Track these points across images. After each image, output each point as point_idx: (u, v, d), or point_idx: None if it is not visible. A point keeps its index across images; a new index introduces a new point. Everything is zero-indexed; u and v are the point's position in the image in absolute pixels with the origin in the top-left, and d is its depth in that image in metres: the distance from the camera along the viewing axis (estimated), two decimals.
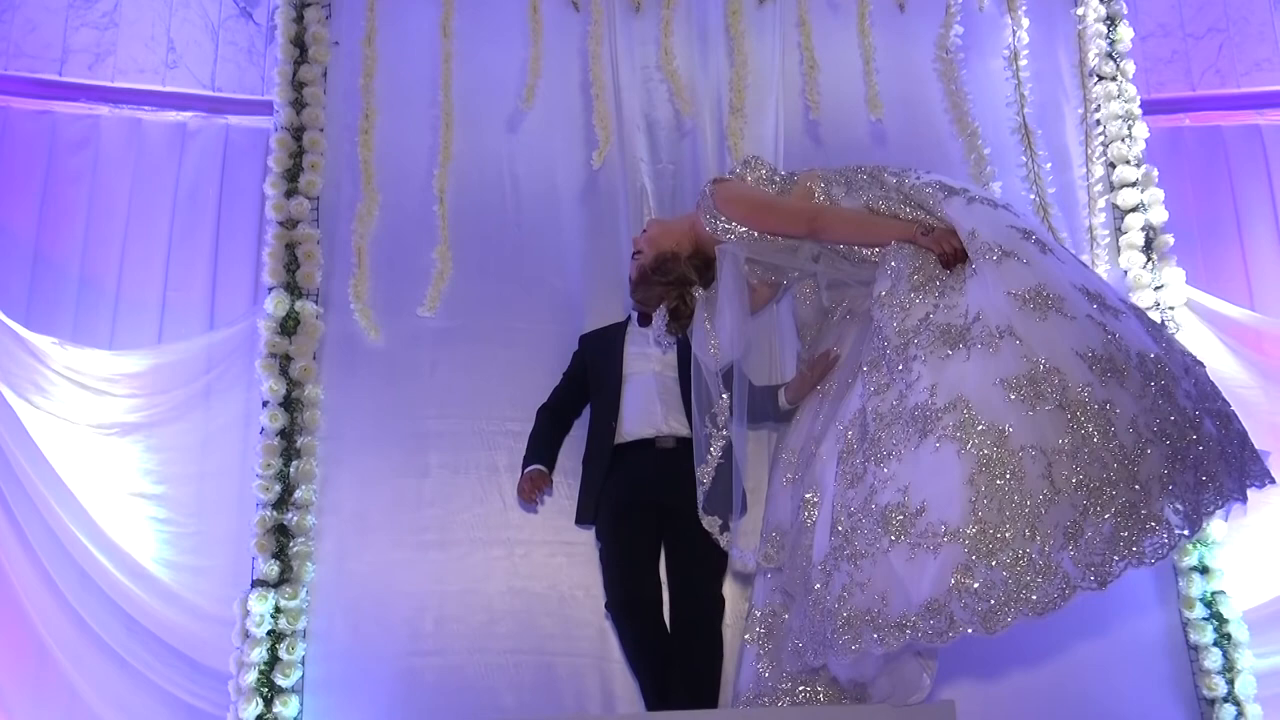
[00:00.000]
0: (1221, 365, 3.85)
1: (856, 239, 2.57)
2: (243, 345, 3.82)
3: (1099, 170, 3.93)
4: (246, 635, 3.25)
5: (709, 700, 2.99)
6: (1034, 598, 1.92)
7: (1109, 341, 2.12)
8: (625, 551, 3.12)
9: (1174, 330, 3.73)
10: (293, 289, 3.57)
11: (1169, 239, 3.86)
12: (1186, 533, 2.05)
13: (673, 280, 2.79)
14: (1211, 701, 3.38)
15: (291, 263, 3.59)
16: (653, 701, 3.08)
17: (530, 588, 3.37)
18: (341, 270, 3.69)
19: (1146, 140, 3.98)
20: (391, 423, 3.57)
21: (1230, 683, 3.38)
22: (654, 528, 3.11)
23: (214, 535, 3.70)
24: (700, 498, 2.64)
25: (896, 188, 2.56)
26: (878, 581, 2.06)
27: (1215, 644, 3.42)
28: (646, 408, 3.21)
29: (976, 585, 1.93)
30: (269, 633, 3.24)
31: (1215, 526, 3.56)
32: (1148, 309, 3.75)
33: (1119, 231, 3.88)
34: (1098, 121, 3.97)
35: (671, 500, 2.97)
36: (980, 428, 2.03)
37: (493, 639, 3.38)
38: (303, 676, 3.27)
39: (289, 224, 3.62)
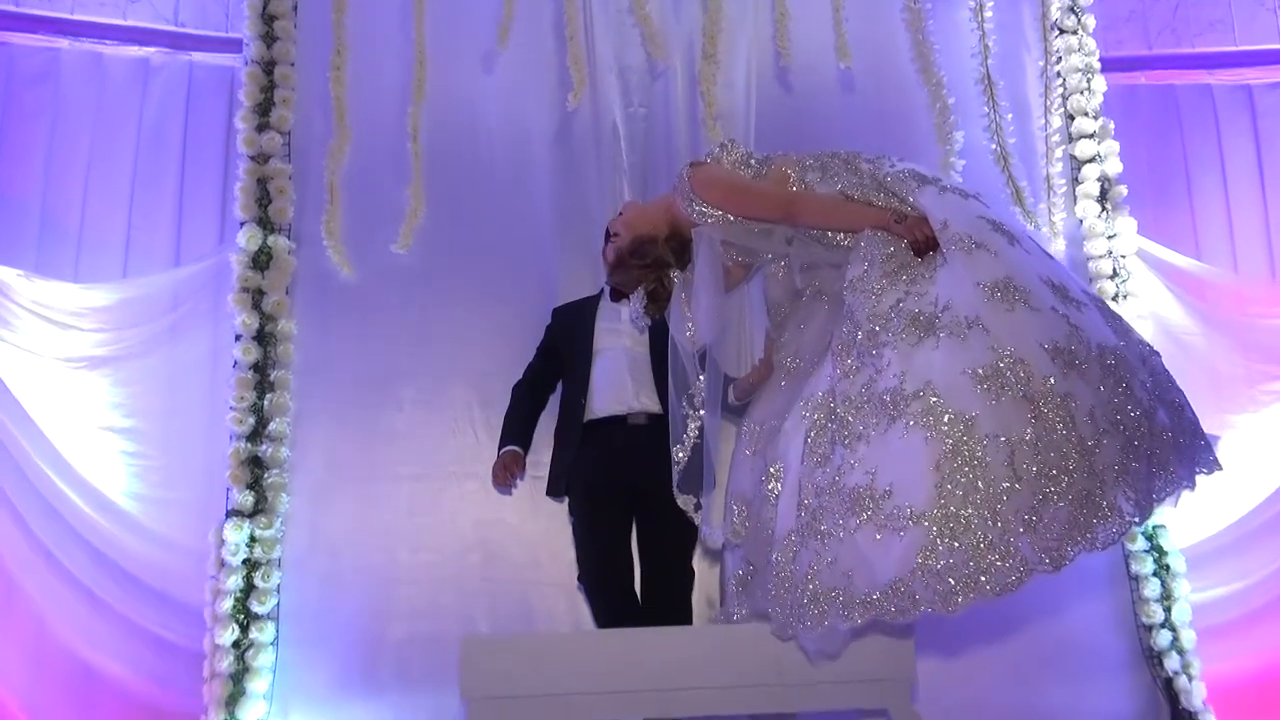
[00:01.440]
0: (1167, 312, 4.04)
1: (831, 224, 2.60)
2: (210, 282, 3.81)
3: (1058, 121, 4.03)
4: (222, 564, 3.29)
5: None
6: (992, 579, 2.00)
7: (1071, 334, 2.19)
8: (597, 528, 3.16)
9: (1124, 278, 3.89)
10: (265, 224, 3.56)
11: (1123, 190, 3.99)
12: (1137, 519, 2.14)
13: (650, 263, 2.79)
14: (1149, 627, 3.58)
15: (263, 197, 3.58)
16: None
17: (503, 519, 3.43)
18: (314, 206, 3.69)
19: (1104, 95, 4.08)
20: (365, 358, 3.60)
21: (1168, 610, 3.58)
22: (625, 504, 3.15)
23: (183, 469, 3.72)
24: (675, 477, 2.68)
25: (871, 175, 2.59)
26: (844, 560, 2.14)
27: (1154, 574, 3.61)
28: (617, 384, 3.23)
29: (939, 566, 2.01)
30: (244, 561, 3.29)
31: None
32: (1100, 257, 3.92)
33: (1075, 181, 4.00)
34: (1058, 74, 4.06)
35: (643, 477, 2.98)
36: (947, 415, 2.09)
37: (466, 568, 3.46)
38: (278, 604, 3.33)
39: (260, 159, 3.60)
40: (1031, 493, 2.03)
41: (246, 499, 3.33)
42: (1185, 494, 2.37)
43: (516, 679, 2.43)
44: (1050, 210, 3.99)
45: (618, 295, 3.17)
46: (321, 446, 3.53)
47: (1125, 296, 3.88)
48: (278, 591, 3.33)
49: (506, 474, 3.25)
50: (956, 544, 2.00)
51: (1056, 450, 2.05)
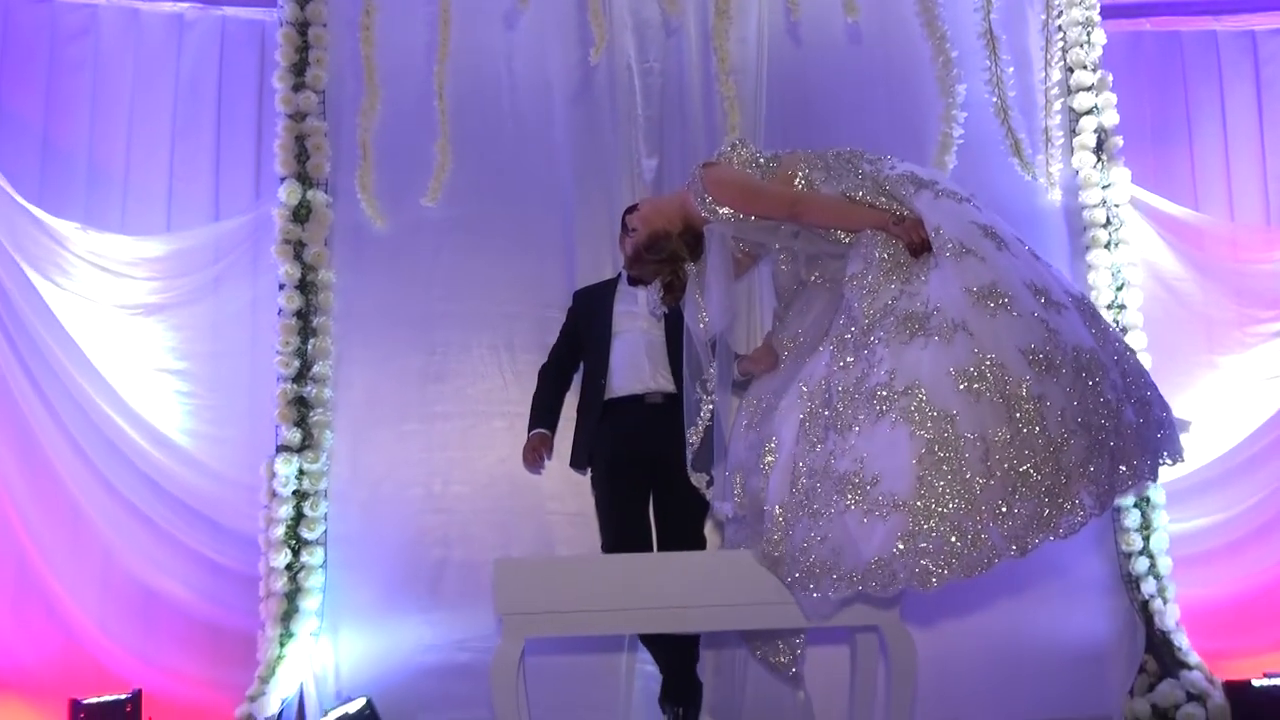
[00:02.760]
0: (1159, 259, 4.19)
1: (833, 224, 2.76)
2: (250, 236, 4.03)
3: (1057, 74, 4.14)
4: (274, 495, 3.57)
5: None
6: (964, 562, 2.22)
7: (1048, 339, 2.37)
8: (618, 502, 3.33)
9: (1117, 226, 4.03)
10: (304, 179, 3.76)
11: (1119, 141, 4.10)
12: (1097, 511, 2.34)
13: (666, 257, 2.90)
14: (1129, 555, 3.80)
15: (302, 154, 3.77)
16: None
17: None
18: (347, 162, 3.88)
19: (1105, 46, 4.16)
20: (400, 304, 3.83)
21: (1146, 538, 3.79)
22: (643, 478, 3.34)
23: (230, 408, 3.98)
24: (689, 456, 2.86)
25: (872, 177, 2.74)
26: (833, 539, 2.37)
27: (1135, 505, 3.81)
28: (634, 365, 3.38)
29: (917, 549, 2.23)
30: (294, 493, 3.57)
31: None
32: (1094, 206, 4.06)
33: (1073, 133, 4.12)
34: (1059, 27, 4.15)
35: (659, 452, 3.12)
36: (932, 413, 2.28)
37: (495, 499, 3.74)
38: (325, 531, 3.62)
39: (298, 117, 3.79)
40: (1003, 486, 2.24)
41: (294, 435, 3.60)
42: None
43: (543, 596, 2.70)
44: (1048, 161, 4.11)
45: (635, 282, 3.33)
46: (361, 387, 3.78)
47: (1117, 244, 4.03)
48: (325, 520, 3.62)
49: (535, 455, 3.42)
50: (934, 530, 2.22)
51: (1028, 449, 2.26)
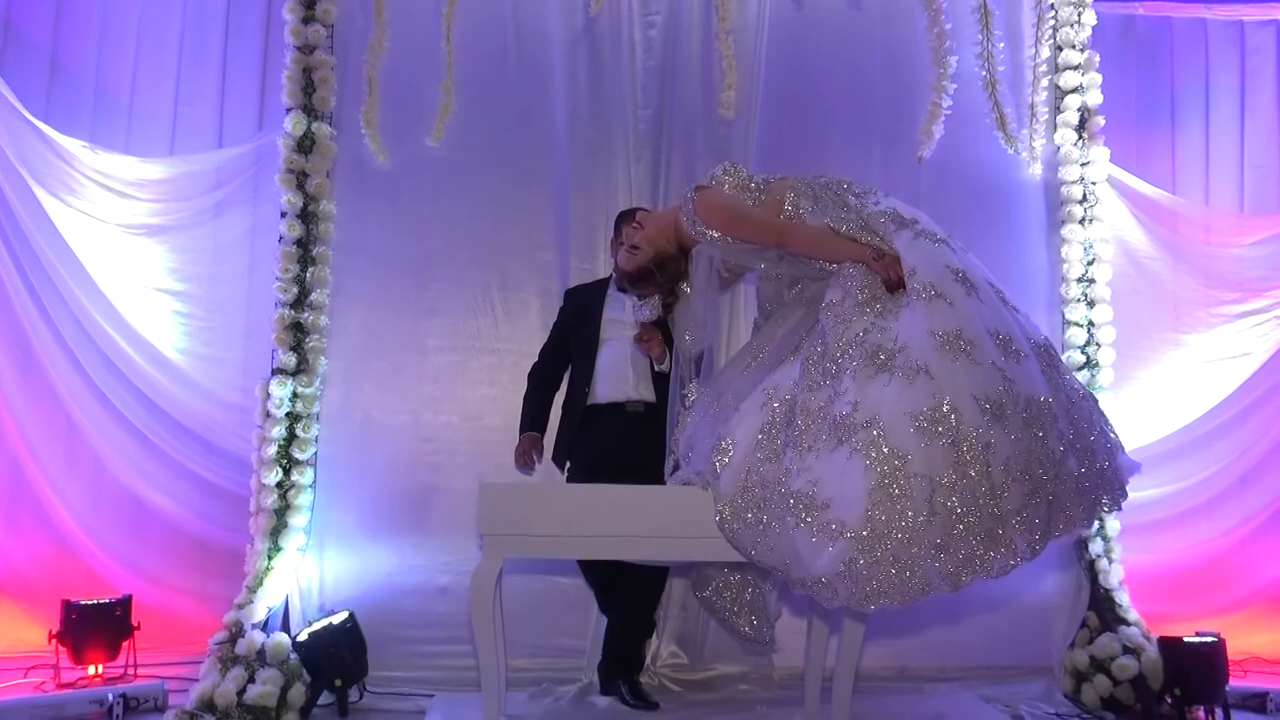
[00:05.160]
0: (1132, 237, 4.33)
1: (817, 255, 2.89)
2: (252, 164, 4.10)
3: (1046, 51, 4.23)
4: (268, 415, 3.68)
5: (648, 611, 3.55)
6: (900, 592, 2.38)
7: (1003, 389, 2.51)
8: None
9: (1093, 204, 4.16)
10: (309, 111, 3.82)
11: (1100, 120, 4.21)
12: (1029, 556, 2.50)
13: (670, 276, 3.04)
14: None
15: (308, 86, 3.83)
16: (602, 605, 3.64)
17: (515, 391, 3.76)
18: (353, 97, 3.95)
19: (1096, 27, 4.26)
20: (397, 239, 3.92)
21: None
22: (620, 479, 3.30)
23: (226, 331, 4.09)
24: (669, 465, 2.95)
25: (857, 211, 2.87)
26: (782, 550, 2.53)
27: None
28: (619, 374, 3.50)
29: (859, 575, 2.39)
30: (287, 414, 3.68)
31: (1104, 375, 4.11)
32: (1072, 183, 4.19)
33: (1057, 110, 4.23)
34: (1051, 5, 4.25)
35: (638, 458, 3.17)
36: (886, 450, 2.41)
37: (483, 430, 3.87)
38: (316, 453, 3.73)
39: (306, 49, 3.84)
40: (943, 526, 2.38)
41: (289, 359, 3.70)
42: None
43: (524, 520, 2.84)
44: (1031, 136, 4.23)
45: (626, 288, 3.33)
46: (357, 317, 3.88)
47: (1092, 221, 4.16)
48: (316, 442, 3.73)
49: (527, 457, 3.53)
50: (876, 560, 2.37)
51: (971, 493, 2.40)
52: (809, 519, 2.44)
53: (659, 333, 3.31)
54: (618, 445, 3.45)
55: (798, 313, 2.95)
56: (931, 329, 2.55)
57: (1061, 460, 2.53)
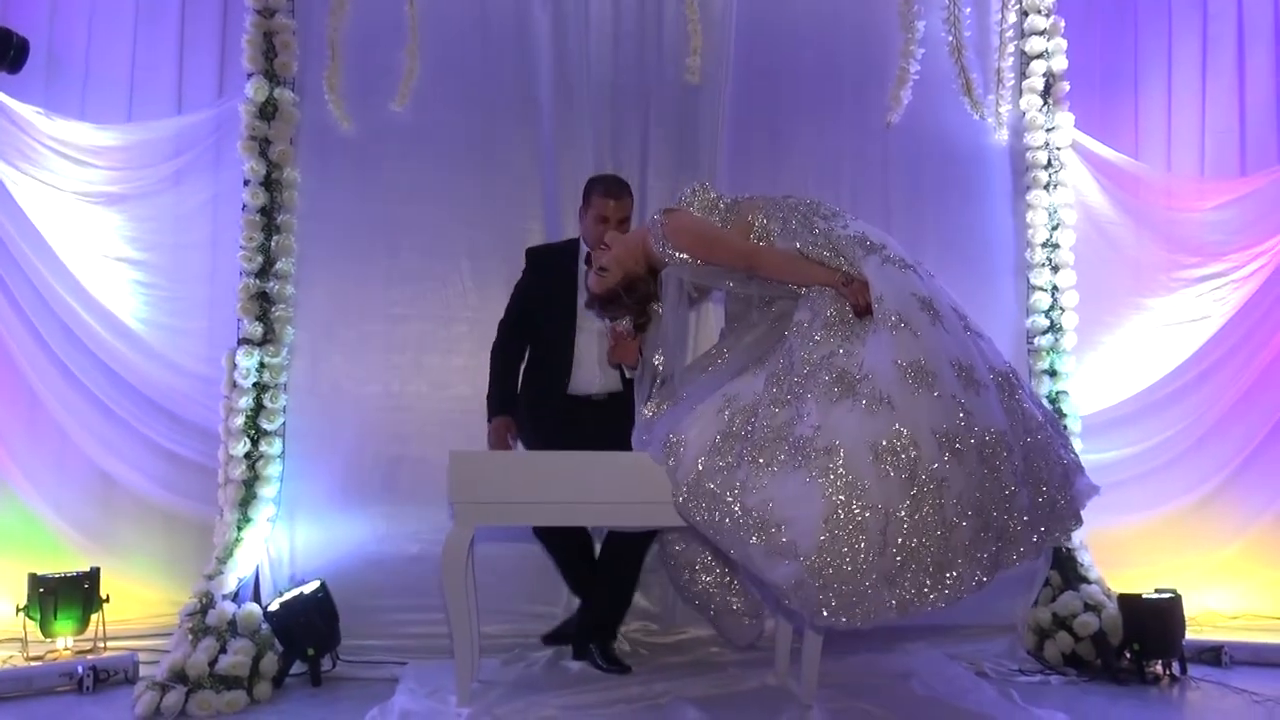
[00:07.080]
0: (1095, 202, 4.37)
1: (786, 278, 2.91)
2: (214, 131, 4.02)
3: (1012, 17, 4.24)
4: (235, 385, 3.65)
5: (629, 583, 3.55)
6: (849, 613, 2.42)
7: (961, 422, 2.55)
8: None
9: (1057, 169, 4.20)
10: (271, 76, 3.76)
11: (1065, 85, 4.24)
12: (976, 588, 2.53)
13: (639, 298, 3.06)
14: None
15: (269, 50, 3.76)
16: (572, 585, 3.64)
17: (483, 361, 3.66)
18: (316, 62, 3.88)
19: None
20: (364, 207, 3.88)
21: None
22: None
23: (189, 301, 4.03)
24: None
25: (825, 234, 2.88)
26: (737, 556, 2.58)
27: None
28: (592, 368, 3.48)
29: (810, 595, 2.43)
30: (255, 385, 3.65)
31: (1067, 339, 4.17)
32: (1037, 148, 4.21)
33: (1023, 75, 4.26)
34: None
35: (602, 437, 3.13)
36: (846, 478, 2.45)
37: (453, 400, 3.86)
38: (284, 423, 3.72)
39: (266, 13, 3.76)
40: (894, 557, 2.43)
41: (255, 329, 3.67)
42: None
43: (495, 487, 2.87)
44: (998, 102, 4.25)
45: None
46: (323, 286, 3.85)
47: (1056, 186, 4.20)
48: (284, 412, 3.71)
49: (503, 442, 3.45)
50: (824, 584, 2.41)
51: (923, 526, 2.45)
52: (763, 537, 2.48)
53: (633, 341, 3.29)
54: (583, 434, 3.34)
55: (765, 324, 2.99)
56: (895, 358, 2.58)
57: (1014, 496, 2.58)
